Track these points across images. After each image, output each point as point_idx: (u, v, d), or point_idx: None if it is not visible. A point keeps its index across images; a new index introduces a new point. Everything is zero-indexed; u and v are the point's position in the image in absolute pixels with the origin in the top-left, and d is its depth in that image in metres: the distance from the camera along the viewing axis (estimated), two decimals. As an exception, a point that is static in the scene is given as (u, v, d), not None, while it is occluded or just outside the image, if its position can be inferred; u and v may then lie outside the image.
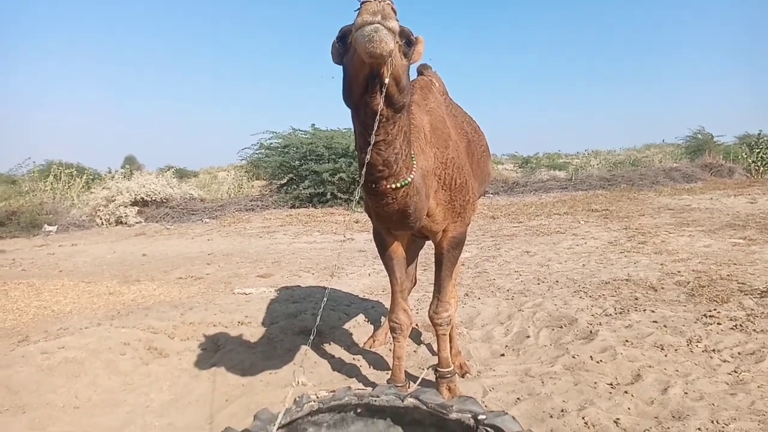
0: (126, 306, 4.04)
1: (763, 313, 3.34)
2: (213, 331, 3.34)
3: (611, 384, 2.51)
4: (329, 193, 10.98)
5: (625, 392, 2.41)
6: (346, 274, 5.23)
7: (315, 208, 10.94)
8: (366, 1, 1.39)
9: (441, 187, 2.18)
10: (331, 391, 1.45)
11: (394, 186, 1.80)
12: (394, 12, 1.42)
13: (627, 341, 3.01)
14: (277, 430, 1.29)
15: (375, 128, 1.58)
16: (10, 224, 9.18)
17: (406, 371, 2.55)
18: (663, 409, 2.24)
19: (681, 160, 16.47)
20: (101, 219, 10.25)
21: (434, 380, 2.47)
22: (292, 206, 11.11)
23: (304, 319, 3.57)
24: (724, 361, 2.71)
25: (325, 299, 1.78)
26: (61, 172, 12.21)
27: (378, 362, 2.98)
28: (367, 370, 2.88)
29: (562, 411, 2.27)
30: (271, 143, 12.56)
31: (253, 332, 3.36)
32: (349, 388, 1.48)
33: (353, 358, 3.04)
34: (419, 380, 2.34)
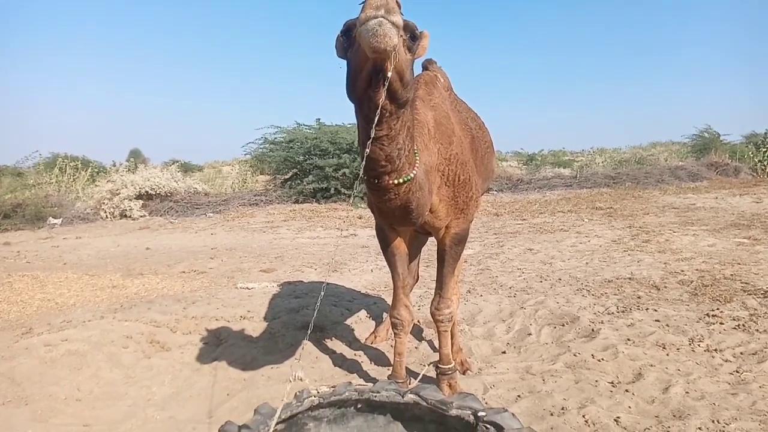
0: (129, 299, 4.05)
1: (766, 313, 3.33)
2: (215, 325, 3.35)
3: (612, 382, 2.50)
4: (333, 189, 10.98)
5: (626, 391, 2.40)
6: (349, 270, 5.23)
7: (319, 203, 10.94)
8: None
9: (444, 183, 2.17)
10: (331, 387, 1.45)
11: (396, 182, 1.79)
12: (399, 6, 1.42)
13: (629, 340, 3.00)
14: (278, 424, 1.29)
15: (375, 121, 1.58)
16: (15, 217, 9.21)
17: (407, 367, 2.56)
18: (664, 408, 2.24)
19: (687, 159, 16.38)
20: (105, 212, 10.28)
21: (435, 377, 2.47)
22: (296, 201, 11.12)
23: (307, 315, 3.58)
24: (726, 360, 2.70)
25: (322, 293, 1.78)
26: (66, 165, 12.23)
27: (379, 358, 2.98)
28: (368, 366, 2.89)
29: (563, 409, 2.27)
30: (276, 138, 12.55)
31: (255, 327, 3.37)
32: (350, 383, 1.48)
33: (354, 354, 3.05)
34: (420, 377, 2.34)
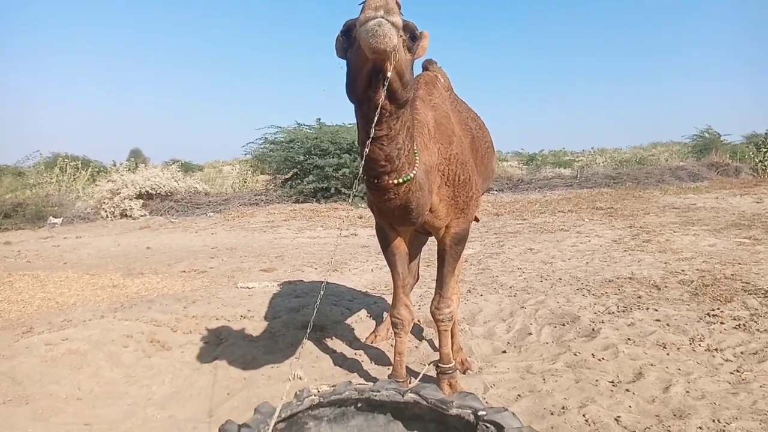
0: (129, 299, 4.06)
1: (766, 312, 3.33)
2: (215, 324, 3.36)
3: (613, 382, 2.50)
4: (333, 188, 10.99)
5: (627, 390, 2.40)
6: (349, 270, 5.24)
7: (319, 203, 10.95)
8: None
9: (444, 183, 2.17)
10: (331, 386, 1.45)
11: (396, 181, 1.80)
12: (399, 7, 1.42)
13: (629, 339, 3.00)
14: (278, 423, 1.30)
15: (375, 121, 1.58)
16: (16, 216, 9.23)
17: (407, 367, 2.56)
18: (664, 408, 2.24)
19: (687, 159, 16.34)
20: (106, 212, 10.29)
21: (435, 376, 2.48)
22: (296, 201, 11.12)
23: (307, 314, 3.58)
24: (727, 360, 2.70)
25: (322, 293, 1.78)
26: (66, 165, 12.24)
27: (379, 357, 2.98)
28: (368, 365, 2.89)
29: (563, 408, 2.27)
30: (276, 138, 12.54)
31: (256, 326, 3.38)
32: (350, 382, 1.48)
33: (355, 353, 3.05)
34: (420, 376, 2.34)
